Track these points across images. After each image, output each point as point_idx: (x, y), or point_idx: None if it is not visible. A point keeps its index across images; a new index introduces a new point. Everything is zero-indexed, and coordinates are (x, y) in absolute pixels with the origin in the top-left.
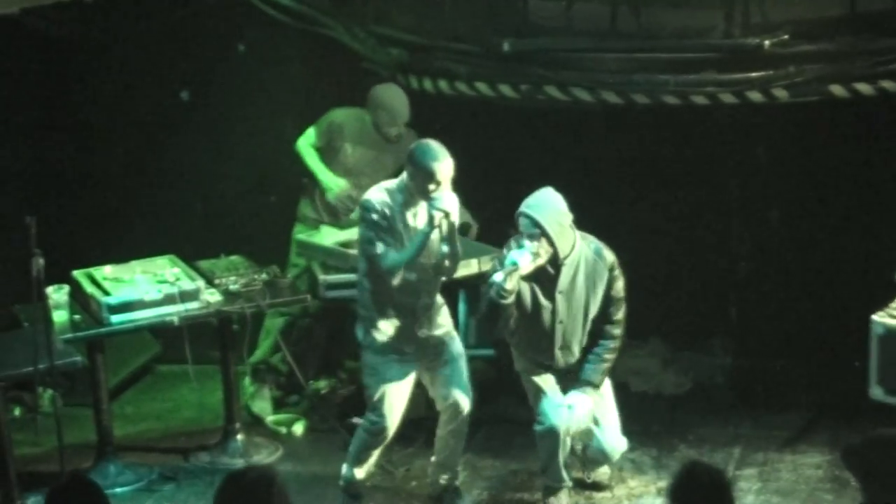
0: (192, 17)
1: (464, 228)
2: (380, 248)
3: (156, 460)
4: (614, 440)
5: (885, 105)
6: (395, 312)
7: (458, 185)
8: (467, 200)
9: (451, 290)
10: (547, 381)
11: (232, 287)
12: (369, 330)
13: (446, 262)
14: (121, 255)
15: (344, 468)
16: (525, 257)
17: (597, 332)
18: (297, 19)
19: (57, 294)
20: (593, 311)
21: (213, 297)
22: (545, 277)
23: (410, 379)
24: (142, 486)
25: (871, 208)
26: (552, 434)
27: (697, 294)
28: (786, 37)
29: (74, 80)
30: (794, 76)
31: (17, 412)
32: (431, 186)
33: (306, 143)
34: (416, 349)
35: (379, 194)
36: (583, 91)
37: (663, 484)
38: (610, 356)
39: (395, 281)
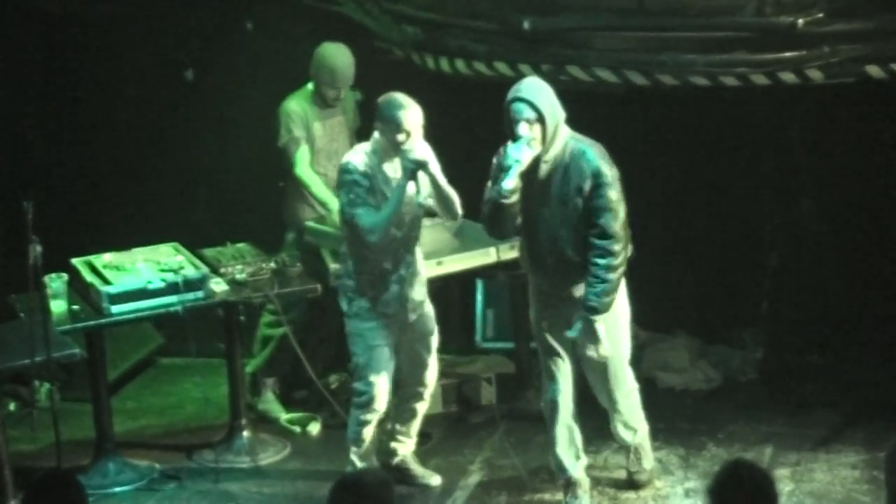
0: None
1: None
2: (360, 208)
3: (158, 458)
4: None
5: None
6: (378, 274)
7: (468, 170)
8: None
9: (468, 281)
10: (557, 342)
11: (238, 276)
12: (353, 297)
13: (442, 206)
14: (121, 243)
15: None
16: (524, 151)
17: (591, 249)
18: None
19: (55, 283)
20: (574, 215)
21: (218, 286)
22: (532, 178)
23: (392, 349)
24: (143, 485)
25: None
26: (548, 408)
27: (728, 284)
28: (820, 15)
29: (74, 60)
30: (829, 56)
31: (12, 407)
32: (401, 137)
33: (306, 166)
34: (399, 311)
35: (357, 156)
36: (607, 71)
37: (691, 485)
38: (609, 276)
39: (378, 239)
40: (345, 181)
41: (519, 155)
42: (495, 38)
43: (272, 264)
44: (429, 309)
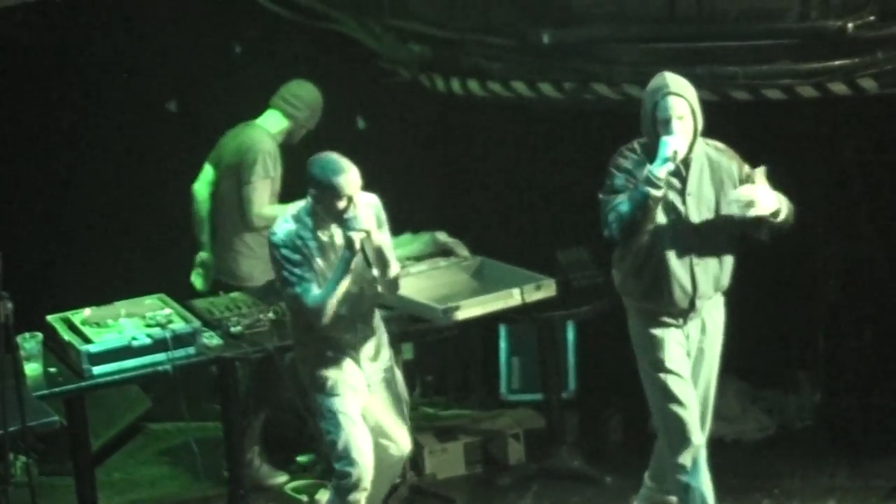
0: (180, 16)
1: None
2: (298, 287)
3: None
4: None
5: None
6: (335, 347)
7: (483, 201)
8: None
9: (491, 326)
10: (680, 374)
11: (233, 329)
12: (314, 371)
13: (384, 279)
14: (102, 296)
15: None
16: (681, 142)
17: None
18: (302, 14)
19: (29, 343)
20: (728, 223)
21: (211, 341)
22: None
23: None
24: None
25: None
26: (690, 495)
27: (780, 322)
28: (872, 17)
29: (47, 92)
30: (884, 63)
31: None
32: (341, 204)
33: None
34: (365, 382)
35: (284, 225)
36: (637, 87)
37: None
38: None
39: (329, 318)
40: (275, 258)
41: (677, 145)
42: (512, 54)
43: (270, 314)
44: (397, 372)
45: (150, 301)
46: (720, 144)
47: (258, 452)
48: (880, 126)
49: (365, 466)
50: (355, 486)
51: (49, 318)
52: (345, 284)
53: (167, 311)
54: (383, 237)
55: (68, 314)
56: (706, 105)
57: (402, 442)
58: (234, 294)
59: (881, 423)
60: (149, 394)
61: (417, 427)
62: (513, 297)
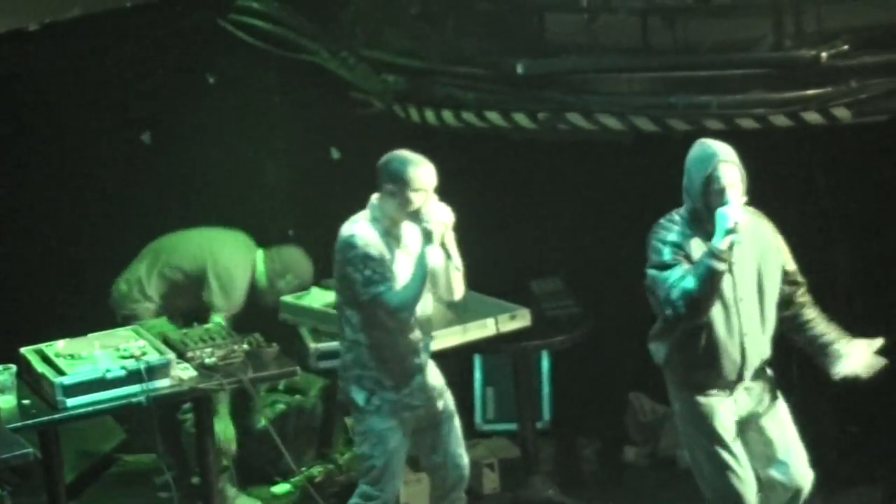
0: (152, 47)
1: None
2: (382, 285)
3: None
4: (801, 465)
5: None
6: (400, 362)
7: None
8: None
9: (465, 356)
10: (732, 442)
11: (208, 360)
12: (374, 391)
13: (453, 283)
14: (76, 328)
15: None
16: (737, 210)
17: (790, 309)
18: (274, 44)
19: (2, 375)
20: (770, 291)
21: (185, 372)
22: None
23: (405, 446)
24: None
25: None
26: None
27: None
28: (845, 47)
29: (17, 123)
30: (858, 92)
31: None
32: (419, 198)
33: None
34: (426, 402)
35: (361, 226)
36: (611, 118)
37: None
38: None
39: (407, 317)
40: (354, 257)
41: (737, 216)
42: (486, 84)
43: (245, 345)
44: (444, 384)
45: (123, 332)
46: (757, 211)
47: (231, 481)
48: (853, 156)
49: (392, 496)
50: None
51: (23, 350)
52: (427, 279)
53: (141, 342)
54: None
55: (42, 346)
56: (679, 136)
57: (462, 461)
58: (209, 325)
59: (855, 451)
60: (123, 426)
61: None
62: (487, 327)
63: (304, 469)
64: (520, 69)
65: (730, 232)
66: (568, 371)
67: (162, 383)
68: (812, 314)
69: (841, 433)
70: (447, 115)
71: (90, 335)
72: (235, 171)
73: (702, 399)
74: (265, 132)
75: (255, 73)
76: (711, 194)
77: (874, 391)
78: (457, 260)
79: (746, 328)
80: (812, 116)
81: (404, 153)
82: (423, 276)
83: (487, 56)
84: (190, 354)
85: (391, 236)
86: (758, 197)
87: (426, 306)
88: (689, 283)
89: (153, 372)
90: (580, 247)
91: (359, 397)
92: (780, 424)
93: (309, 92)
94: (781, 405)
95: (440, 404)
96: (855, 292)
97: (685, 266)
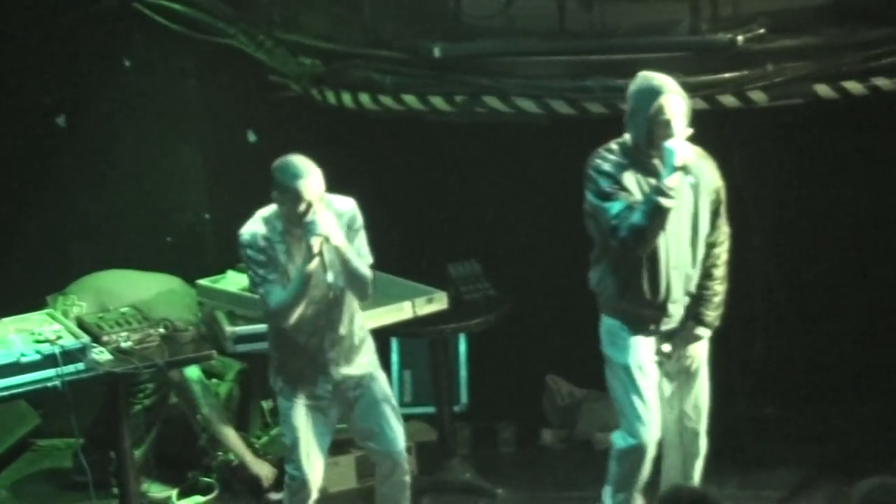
0: (67, 30)
1: None
2: (262, 288)
3: None
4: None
5: (880, 105)
6: (301, 352)
7: (376, 216)
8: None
9: (382, 339)
10: (647, 374)
11: (124, 344)
12: (277, 374)
13: (355, 283)
14: None
15: None
16: (684, 145)
17: (710, 258)
18: (191, 28)
19: None
20: (703, 229)
21: (101, 356)
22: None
23: (327, 426)
24: None
25: (875, 224)
26: (636, 454)
27: None
28: (761, 31)
29: None
30: (773, 76)
31: None
32: (302, 207)
33: None
34: (333, 391)
35: (253, 225)
36: (528, 101)
37: None
38: (721, 288)
39: (291, 320)
40: (242, 256)
41: (684, 153)
42: (403, 68)
43: (161, 329)
44: (378, 374)
45: (37, 316)
46: (701, 150)
47: (146, 467)
48: (769, 139)
49: (314, 473)
50: (300, 490)
51: None
52: (306, 288)
53: (56, 326)
54: (359, 241)
55: None
56: (600, 119)
57: (395, 440)
58: (124, 309)
59: (772, 433)
60: (38, 410)
61: None
62: (404, 311)
63: (220, 453)
64: (437, 52)
65: (678, 169)
66: (485, 354)
67: (77, 367)
68: (710, 282)
69: (755, 416)
70: (364, 99)
71: (4, 319)
72: (152, 154)
73: (624, 331)
74: (182, 115)
75: (172, 57)
76: (656, 125)
77: (790, 373)
78: (355, 264)
79: (675, 262)
80: (728, 99)
81: (292, 161)
82: (298, 284)
83: (405, 39)
84: (105, 338)
85: (291, 235)
86: None
87: (331, 306)
88: (637, 217)
89: (68, 356)
90: (497, 230)
91: (270, 377)
92: (696, 381)
93: (226, 75)
94: (703, 369)
95: (356, 395)
96: (772, 272)
97: (625, 196)
